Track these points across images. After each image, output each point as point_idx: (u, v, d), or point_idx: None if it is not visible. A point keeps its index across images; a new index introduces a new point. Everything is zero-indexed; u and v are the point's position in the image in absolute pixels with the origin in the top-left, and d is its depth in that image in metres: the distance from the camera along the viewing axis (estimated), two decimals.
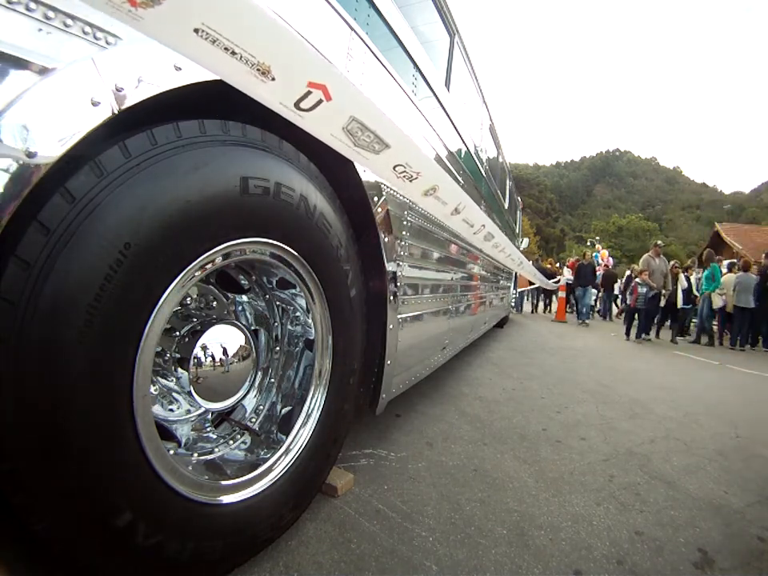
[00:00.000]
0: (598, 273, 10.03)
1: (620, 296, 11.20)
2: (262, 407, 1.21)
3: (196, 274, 0.83)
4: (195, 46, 0.50)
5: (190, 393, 0.94)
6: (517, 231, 7.37)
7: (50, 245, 0.60)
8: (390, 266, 1.46)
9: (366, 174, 1.28)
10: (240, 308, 1.20)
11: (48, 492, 0.63)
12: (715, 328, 7.86)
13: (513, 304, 8.14)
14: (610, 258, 11.99)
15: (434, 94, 1.99)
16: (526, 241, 8.96)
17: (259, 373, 1.19)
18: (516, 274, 6.74)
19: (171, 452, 0.92)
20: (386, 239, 1.43)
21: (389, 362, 1.53)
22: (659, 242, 7.49)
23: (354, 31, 1.22)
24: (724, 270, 8.09)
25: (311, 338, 1.21)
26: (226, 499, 0.94)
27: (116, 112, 0.64)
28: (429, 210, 1.16)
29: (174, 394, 1.03)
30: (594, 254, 9.96)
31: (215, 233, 0.82)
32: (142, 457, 0.74)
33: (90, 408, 0.65)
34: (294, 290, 1.15)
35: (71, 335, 0.62)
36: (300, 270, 1.08)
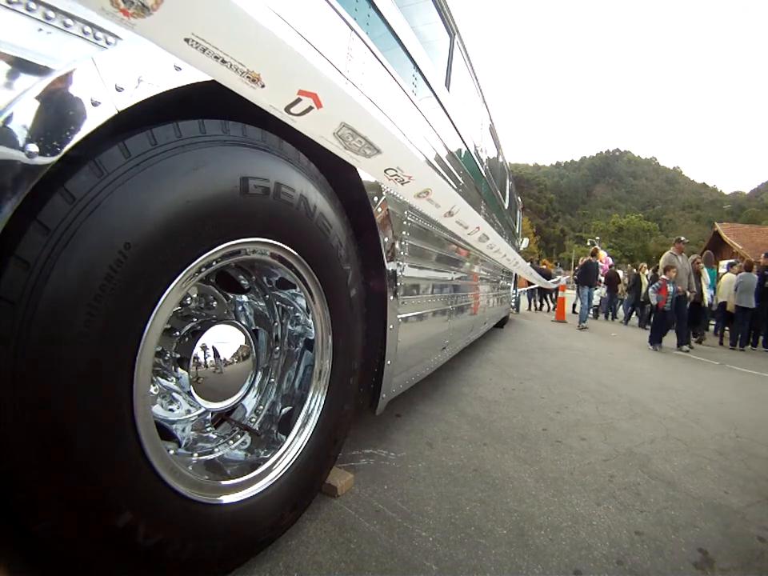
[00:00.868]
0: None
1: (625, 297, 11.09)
2: (261, 407, 1.21)
3: (196, 274, 0.83)
4: (187, 53, 0.52)
5: (190, 393, 0.94)
6: (517, 231, 7.37)
7: (50, 245, 0.60)
8: (389, 266, 1.46)
9: (366, 174, 1.28)
10: (240, 308, 1.20)
11: (48, 492, 0.63)
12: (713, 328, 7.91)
13: (513, 304, 8.14)
14: (609, 258, 11.97)
15: (434, 94, 1.99)
16: (525, 241, 8.95)
17: (259, 373, 1.19)
18: (516, 274, 6.74)
19: (171, 452, 0.92)
20: (386, 239, 1.43)
21: (389, 362, 1.53)
22: (682, 237, 6.43)
23: (354, 31, 1.22)
24: (723, 271, 8.10)
25: (311, 337, 1.21)
26: (226, 499, 0.94)
27: (116, 112, 0.64)
28: (423, 210, 1.17)
29: (174, 394, 1.02)
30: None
31: (215, 233, 0.82)
32: (142, 457, 0.74)
33: (89, 408, 0.65)
34: (293, 290, 1.15)
35: (71, 335, 0.62)
36: (300, 270, 1.08)
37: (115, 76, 0.64)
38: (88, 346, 0.64)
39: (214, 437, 1.13)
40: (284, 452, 1.12)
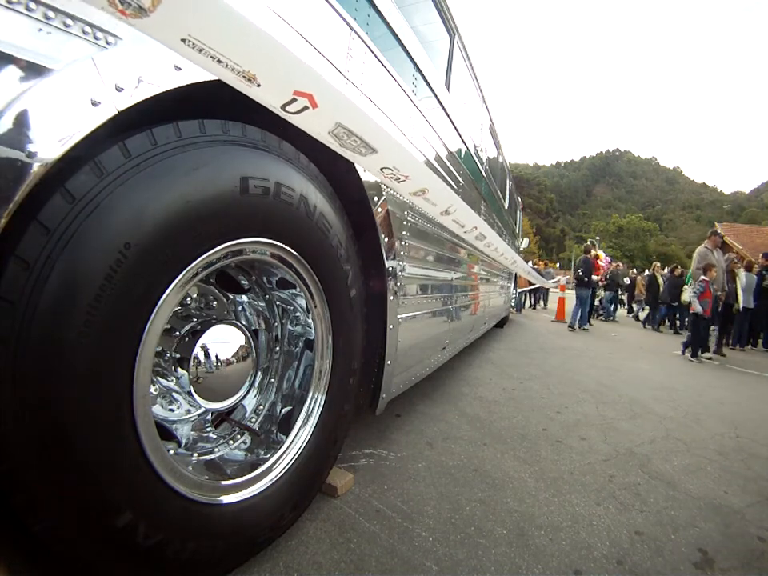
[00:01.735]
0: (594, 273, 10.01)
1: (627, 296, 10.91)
2: (261, 407, 1.21)
3: (196, 274, 0.83)
4: (184, 52, 0.52)
5: (189, 393, 0.94)
6: (517, 231, 7.37)
7: (50, 245, 0.60)
8: (389, 266, 1.46)
9: (366, 174, 1.28)
10: (240, 308, 1.20)
11: (48, 492, 0.63)
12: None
13: (513, 304, 8.14)
14: (608, 258, 11.91)
15: (434, 94, 1.99)
16: (526, 241, 8.95)
17: (259, 373, 1.19)
18: (516, 274, 6.74)
19: (171, 452, 0.92)
20: (386, 239, 1.43)
21: (389, 362, 1.53)
22: (718, 230, 5.73)
23: (354, 31, 1.22)
24: None
25: (311, 338, 1.21)
26: (226, 499, 0.94)
27: (116, 112, 0.64)
28: (419, 208, 1.18)
29: (174, 394, 1.02)
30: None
31: (215, 233, 0.82)
32: (142, 457, 0.74)
33: (89, 408, 0.65)
34: (294, 290, 1.15)
35: (71, 335, 0.62)
36: (300, 270, 1.08)
37: (115, 76, 0.64)
38: (88, 346, 0.64)
39: (214, 437, 1.13)
40: (284, 452, 1.12)
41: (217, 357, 0.96)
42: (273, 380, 1.23)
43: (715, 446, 2.23)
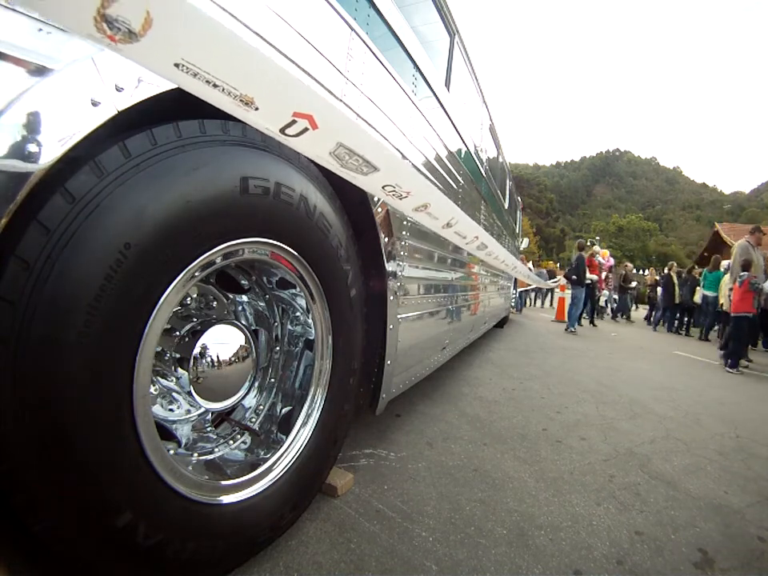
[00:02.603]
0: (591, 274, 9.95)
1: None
2: (262, 407, 1.21)
3: (196, 274, 0.83)
4: (177, 77, 0.51)
5: (189, 393, 0.94)
6: (517, 231, 7.36)
7: (50, 245, 0.59)
8: (389, 266, 1.46)
9: None
10: (240, 308, 1.20)
11: (48, 492, 0.63)
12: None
13: (513, 304, 8.13)
14: (611, 259, 11.85)
15: (434, 94, 1.99)
16: (525, 241, 8.94)
17: (259, 373, 1.19)
18: None
19: (171, 452, 0.92)
20: (386, 239, 1.43)
21: (389, 362, 1.53)
22: (761, 226, 5.31)
23: (354, 31, 1.22)
24: (723, 271, 8.11)
25: (311, 338, 1.21)
26: (226, 499, 0.94)
27: (116, 112, 0.64)
28: (421, 223, 1.17)
29: (174, 394, 1.03)
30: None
31: (215, 233, 0.82)
32: (142, 457, 0.74)
33: (89, 408, 0.65)
34: (294, 290, 1.15)
35: (71, 335, 0.62)
36: (300, 270, 1.08)
37: (115, 76, 0.64)
38: (88, 346, 0.64)
39: (214, 437, 1.13)
40: (284, 452, 1.12)
41: (217, 357, 0.96)
42: (273, 380, 1.24)
43: (715, 446, 2.23)
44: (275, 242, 0.98)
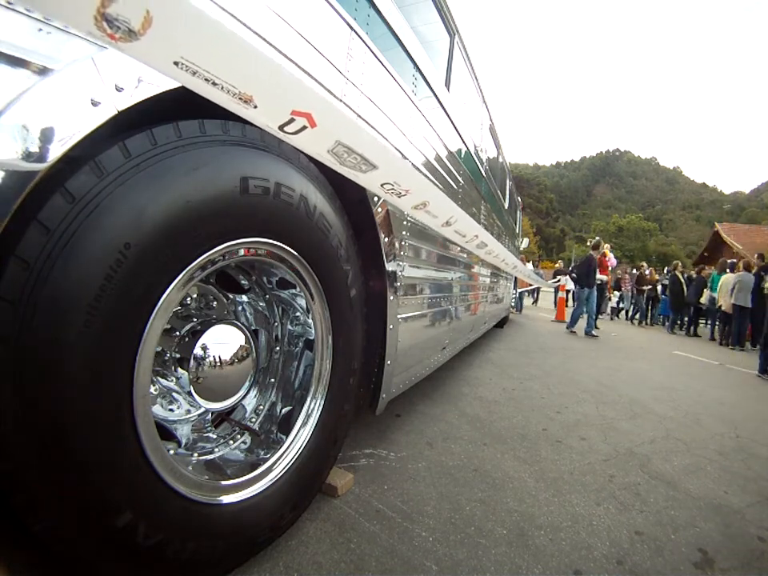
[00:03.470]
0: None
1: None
2: (262, 407, 1.21)
3: (196, 274, 0.83)
4: (177, 75, 0.51)
5: (189, 393, 0.94)
6: (517, 231, 7.36)
7: (50, 245, 0.59)
8: (389, 266, 1.46)
9: None
10: (240, 308, 1.20)
11: (48, 492, 0.63)
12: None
13: (513, 304, 8.13)
14: (613, 259, 11.75)
15: (434, 94, 1.99)
16: (526, 241, 8.94)
17: (259, 373, 1.19)
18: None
19: (171, 452, 0.92)
20: (386, 239, 1.43)
21: (389, 362, 1.53)
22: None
23: (354, 31, 1.22)
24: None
25: (311, 338, 1.21)
26: (226, 499, 0.94)
27: (116, 112, 0.64)
28: (420, 221, 1.17)
29: (174, 394, 1.02)
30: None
31: (215, 233, 0.82)
32: (142, 457, 0.74)
33: (89, 408, 0.65)
34: (294, 290, 1.15)
35: (71, 335, 0.62)
36: (300, 270, 1.08)
37: (115, 76, 0.64)
38: (88, 346, 0.64)
39: (214, 437, 1.13)
40: (284, 452, 1.12)
41: (217, 357, 0.96)
42: (273, 380, 1.23)
43: (715, 446, 2.23)
44: (275, 242, 0.97)
